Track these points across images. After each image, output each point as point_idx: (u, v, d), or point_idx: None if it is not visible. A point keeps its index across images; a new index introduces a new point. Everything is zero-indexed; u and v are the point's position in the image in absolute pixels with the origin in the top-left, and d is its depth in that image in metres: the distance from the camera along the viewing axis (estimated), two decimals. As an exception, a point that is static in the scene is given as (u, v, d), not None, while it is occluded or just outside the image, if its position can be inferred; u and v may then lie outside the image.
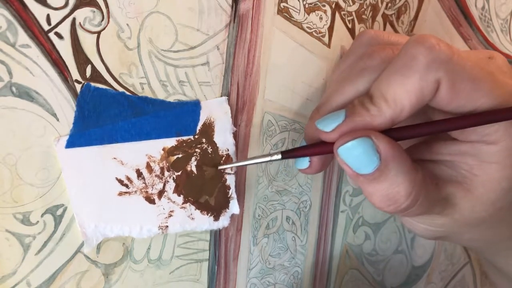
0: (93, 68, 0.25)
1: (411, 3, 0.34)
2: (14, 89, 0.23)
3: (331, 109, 0.25)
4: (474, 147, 0.23)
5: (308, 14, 0.30)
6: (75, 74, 0.24)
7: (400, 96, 0.21)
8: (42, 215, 0.25)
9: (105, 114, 0.26)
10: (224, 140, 0.29)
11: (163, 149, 0.28)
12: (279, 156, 0.25)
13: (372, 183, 0.22)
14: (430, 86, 0.21)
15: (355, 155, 0.22)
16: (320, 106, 0.26)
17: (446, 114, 0.23)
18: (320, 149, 0.25)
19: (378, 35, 0.26)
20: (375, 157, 0.22)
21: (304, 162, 0.27)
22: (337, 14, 0.31)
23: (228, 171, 0.30)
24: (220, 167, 0.28)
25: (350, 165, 0.22)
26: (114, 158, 0.27)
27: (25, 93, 0.23)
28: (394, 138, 0.23)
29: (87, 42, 0.24)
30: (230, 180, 0.30)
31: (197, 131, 0.29)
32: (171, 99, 0.27)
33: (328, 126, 0.23)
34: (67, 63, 0.24)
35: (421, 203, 0.23)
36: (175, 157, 0.28)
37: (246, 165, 0.27)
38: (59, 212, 0.26)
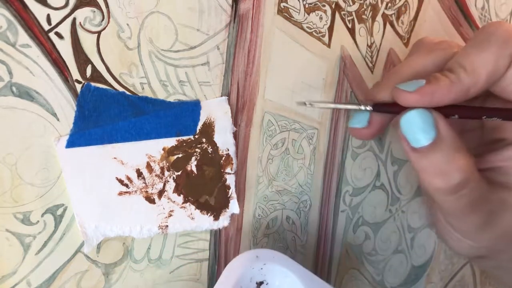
0: (93, 68, 0.25)
1: (411, 3, 0.34)
2: (14, 89, 0.23)
3: (404, 77, 0.26)
4: None
5: (308, 14, 0.30)
6: (75, 74, 0.24)
7: (477, 64, 0.23)
8: (42, 215, 0.25)
9: (105, 114, 0.26)
10: (224, 140, 0.29)
11: (163, 149, 0.28)
12: (370, 108, 0.26)
13: (426, 156, 0.24)
14: (505, 58, 0.23)
15: (414, 125, 0.23)
16: (391, 75, 0.27)
17: (506, 105, 0.25)
18: (399, 108, 0.25)
19: (435, 37, 0.29)
20: (432, 130, 0.23)
21: (362, 120, 0.27)
22: (337, 14, 0.31)
23: (228, 170, 0.30)
24: (310, 102, 0.27)
25: (409, 137, 0.24)
26: (114, 158, 0.27)
27: (25, 93, 0.23)
28: (456, 114, 0.24)
29: (87, 42, 0.24)
30: (230, 180, 0.30)
31: (197, 131, 0.29)
32: (171, 99, 0.27)
33: (410, 88, 0.24)
34: (67, 63, 0.24)
35: (473, 188, 0.24)
36: (175, 157, 0.28)
37: (333, 108, 0.27)
38: (59, 212, 0.26)
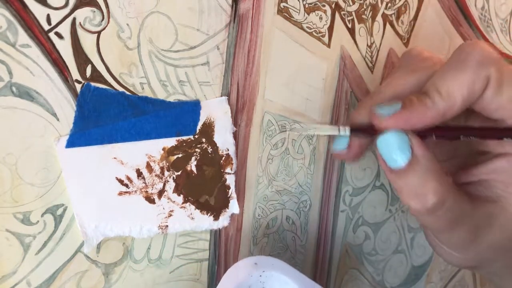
0: (93, 68, 0.25)
1: (411, 3, 0.34)
2: (14, 89, 0.23)
3: (383, 98, 0.26)
4: (510, 162, 0.24)
5: (308, 14, 0.30)
6: (75, 74, 0.24)
7: (453, 89, 0.23)
8: (42, 215, 0.25)
9: (105, 114, 0.26)
10: (224, 140, 0.29)
11: (163, 149, 0.28)
12: (348, 133, 0.26)
13: (402, 177, 0.24)
14: (481, 81, 0.23)
15: (390, 146, 0.24)
16: (372, 96, 0.27)
17: (487, 122, 0.25)
18: (377, 130, 0.25)
19: (424, 50, 0.28)
20: (407, 151, 0.23)
21: (342, 144, 0.27)
22: (337, 14, 0.31)
23: (228, 170, 0.30)
24: (288, 131, 0.27)
25: (385, 157, 0.24)
26: (114, 158, 0.27)
27: (25, 93, 0.23)
28: (435, 135, 0.25)
29: (87, 42, 0.24)
30: (230, 180, 0.30)
31: (197, 131, 0.29)
32: (171, 99, 0.27)
33: (385, 112, 0.24)
34: (67, 63, 0.24)
35: (450, 208, 0.24)
36: (175, 157, 0.28)
37: (312, 134, 0.27)
38: (59, 211, 0.26)
